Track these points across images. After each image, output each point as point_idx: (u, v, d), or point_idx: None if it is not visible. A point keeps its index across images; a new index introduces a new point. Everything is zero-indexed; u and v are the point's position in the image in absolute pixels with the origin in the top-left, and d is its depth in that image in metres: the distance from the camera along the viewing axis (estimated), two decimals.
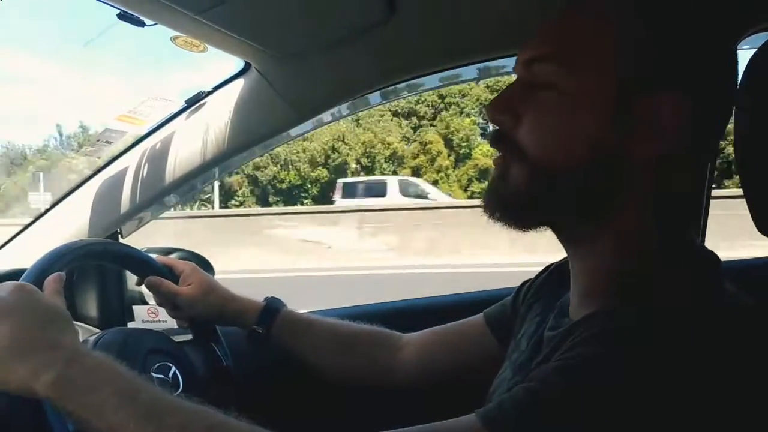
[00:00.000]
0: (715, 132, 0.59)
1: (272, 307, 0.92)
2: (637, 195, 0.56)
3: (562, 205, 0.57)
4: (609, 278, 0.58)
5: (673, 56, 0.54)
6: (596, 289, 0.59)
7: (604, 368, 0.47)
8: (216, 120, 1.07)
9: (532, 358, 0.62)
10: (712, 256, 0.59)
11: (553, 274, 0.76)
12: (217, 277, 0.98)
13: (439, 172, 20.79)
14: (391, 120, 22.09)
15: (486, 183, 0.64)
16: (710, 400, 0.46)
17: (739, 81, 0.60)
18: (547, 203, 0.57)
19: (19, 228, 1.18)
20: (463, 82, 1.08)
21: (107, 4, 0.79)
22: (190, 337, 0.96)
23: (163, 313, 1.00)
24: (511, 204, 0.59)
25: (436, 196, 13.70)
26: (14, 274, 0.77)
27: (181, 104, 1.10)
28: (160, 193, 1.11)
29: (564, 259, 0.77)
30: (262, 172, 21.64)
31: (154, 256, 0.95)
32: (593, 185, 0.56)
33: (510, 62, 0.97)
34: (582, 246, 0.60)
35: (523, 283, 0.81)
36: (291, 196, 21.49)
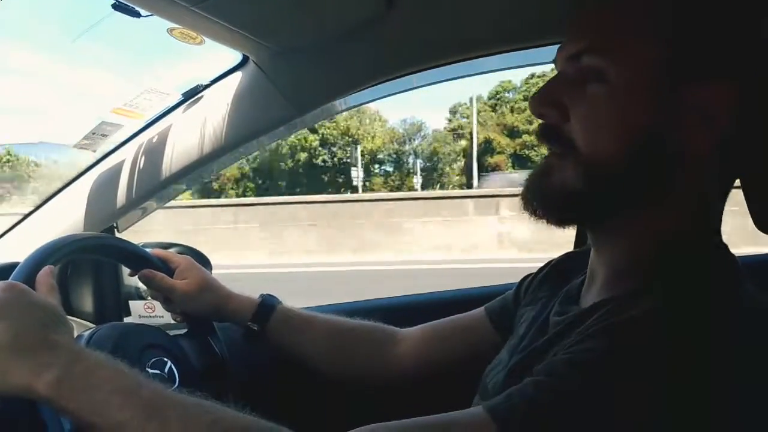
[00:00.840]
0: (762, 121, 0.57)
1: (267, 304, 0.91)
2: (678, 188, 0.56)
3: (609, 200, 0.56)
4: (631, 269, 0.57)
5: (721, 48, 0.54)
6: (615, 279, 0.58)
7: (614, 362, 0.47)
8: (213, 113, 1.06)
9: (534, 341, 0.62)
10: (730, 255, 0.58)
11: (555, 268, 0.77)
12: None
13: None
14: None
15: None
16: (721, 395, 0.46)
17: None
18: (595, 199, 0.56)
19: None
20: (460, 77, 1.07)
21: None
22: (185, 330, 0.95)
23: (159, 308, 0.99)
24: (555, 201, 0.57)
25: None
26: (7, 268, 0.76)
27: (178, 97, 1.09)
28: (157, 186, 1.10)
29: (565, 254, 0.77)
30: None
31: (149, 250, 0.94)
32: (642, 180, 0.55)
33: (508, 57, 0.97)
34: (612, 237, 0.59)
35: (525, 278, 0.81)
36: None
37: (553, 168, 0.57)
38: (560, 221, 0.59)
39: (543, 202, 0.58)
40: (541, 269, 0.79)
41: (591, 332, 0.50)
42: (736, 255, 0.58)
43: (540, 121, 0.59)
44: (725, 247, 0.58)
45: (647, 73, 0.54)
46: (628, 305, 0.52)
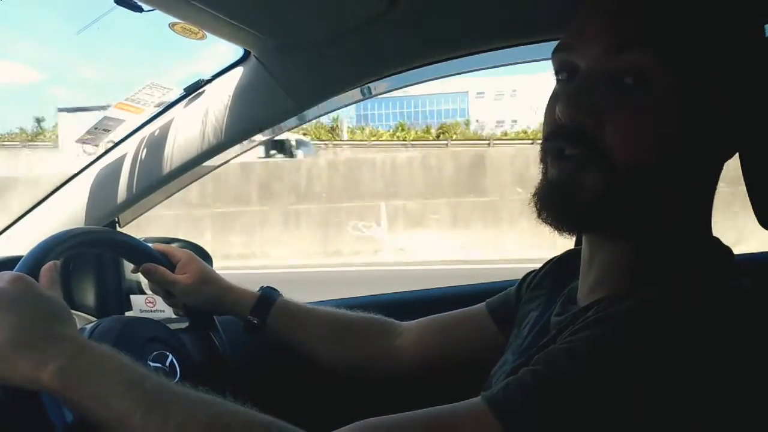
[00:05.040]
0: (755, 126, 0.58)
1: (267, 297, 0.92)
2: (683, 191, 0.55)
3: (630, 209, 0.54)
4: (624, 267, 0.57)
5: (714, 54, 0.53)
6: (610, 276, 0.58)
7: (610, 350, 0.47)
8: (215, 108, 1.06)
9: (535, 343, 0.62)
10: (725, 248, 0.58)
11: (557, 266, 0.77)
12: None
13: None
14: None
15: None
16: (714, 387, 0.46)
17: None
18: (618, 209, 0.54)
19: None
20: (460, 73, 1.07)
21: None
22: (186, 324, 0.96)
23: (160, 302, 1.00)
24: (576, 207, 0.54)
25: None
26: (10, 262, 0.77)
27: (180, 92, 1.09)
28: (158, 181, 1.11)
29: (567, 251, 0.77)
30: None
31: (150, 245, 0.95)
32: (663, 188, 0.54)
33: (514, 52, 0.97)
34: (613, 240, 0.58)
35: (527, 275, 0.81)
36: None
37: (576, 173, 0.54)
38: (578, 228, 0.57)
39: (561, 208, 0.55)
40: (544, 266, 0.79)
41: (587, 323, 0.51)
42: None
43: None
44: (718, 241, 0.59)
45: (689, 78, 0.51)
46: (624, 299, 0.52)
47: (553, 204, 0.56)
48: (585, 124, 0.53)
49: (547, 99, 0.59)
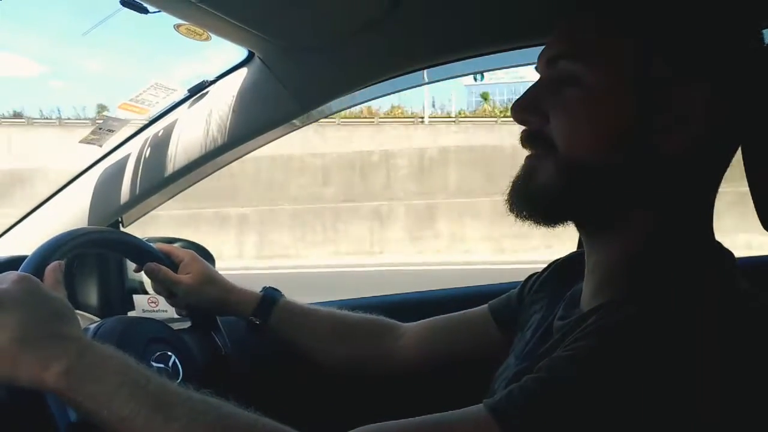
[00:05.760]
0: (744, 125, 0.58)
1: (269, 298, 0.92)
2: (662, 189, 0.56)
3: (590, 199, 0.58)
4: (624, 270, 0.58)
5: (697, 48, 0.54)
6: (611, 280, 0.59)
7: (612, 359, 0.47)
8: (218, 109, 1.06)
9: (539, 346, 0.62)
10: (727, 252, 0.59)
11: (560, 268, 0.77)
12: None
13: None
14: None
15: None
16: (715, 395, 0.46)
17: None
18: (576, 198, 0.58)
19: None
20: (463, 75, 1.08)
21: None
22: (188, 324, 0.96)
23: (163, 302, 1.00)
24: (539, 200, 0.59)
25: None
26: (15, 261, 0.77)
27: (184, 93, 1.09)
28: (162, 182, 1.11)
29: (571, 254, 0.77)
30: None
31: (153, 244, 0.95)
32: (621, 180, 0.56)
33: (515, 55, 0.97)
34: (602, 238, 0.60)
35: (530, 277, 0.81)
36: None
37: (536, 169, 0.59)
38: (546, 220, 0.60)
39: (528, 203, 0.59)
40: (546, 269, 0.79)
41: (589, 331, 0.51)
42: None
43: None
44: (719, 245, 0.59)
45: (621, 75, 0.55)
46: (622, 305, 0.52)
47: (517, 198, 0.60)
48: (535, 125, 0.59)
49: None
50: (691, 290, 0.52)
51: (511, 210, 0.60)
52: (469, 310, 0.86)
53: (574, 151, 0.56)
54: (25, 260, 0.72)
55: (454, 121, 11.30)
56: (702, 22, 0.55)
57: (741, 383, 0.47)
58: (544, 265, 0.80)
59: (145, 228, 1.15)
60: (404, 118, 11.38)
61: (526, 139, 0.61)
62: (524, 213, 0.59)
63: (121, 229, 1.17)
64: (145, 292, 1.09)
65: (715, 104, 0.54)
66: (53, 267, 0.67)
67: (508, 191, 0.61)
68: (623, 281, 0.57)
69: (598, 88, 0.56)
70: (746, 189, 0.63)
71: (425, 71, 1.02)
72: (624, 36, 0.56)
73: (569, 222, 0.60)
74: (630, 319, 0.50)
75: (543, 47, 0.62)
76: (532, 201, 0.59)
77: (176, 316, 0.99)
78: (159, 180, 1.11)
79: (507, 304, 0.82)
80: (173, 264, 0.92)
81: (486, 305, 0.85)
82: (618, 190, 0.57)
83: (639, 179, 0.56)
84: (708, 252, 0.58)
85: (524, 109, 0.60)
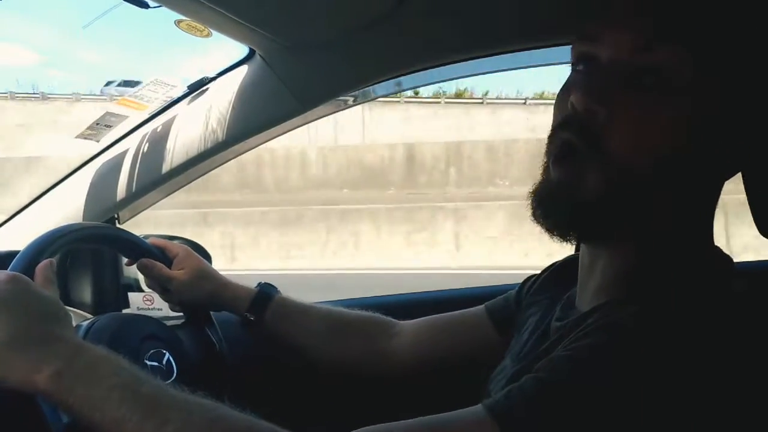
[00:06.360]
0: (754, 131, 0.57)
1: (265, 294, 0.91)
2: (680, 197, 0.55)
3: (622, 213, 0.53)
4: (623, 273, 0.57)
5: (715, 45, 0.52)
6: (609, 282, 0.58)
7: (611, 359, 0.47)
8: (218, 106, 1.05)
9: (536, 348, 0.61)
10: (726, 256, 0.58)
11: (558, 270, 0.76)
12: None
13: None
14: None
15: None
16: (711, 394, 0.46)
17: None
18: (612, 213, 0.53)
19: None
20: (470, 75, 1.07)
21: None
22: (182, 320, 0.95)
23: (158, 300, 0.98)
24: (572, 210, 0.53)
25: None
26: (7, 257, 0.76)
27: (184, 89, 1.08)
28: (159, 179, 1.10)
29: (569, 256, 0.76)
30: None
31: (148, 240, 0.94)
32: (657, 192, 0.53)
33: (520, 56, 0.96)
34: (611, 246, 0.57)
35: (528, 278, 0.80)
36: None
37: (580, 175, 0.52)
38: (566, 234, 0.55)
39: (561, 212, 0.54)
40: (544, 271, 0.78)
41: (589, 330, 0.50)
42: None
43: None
44: (718, 250, 0.58)
45: (706, 73, 0.50)
46: (622, 307, 0.52)
47: (550, 204, 0.55)
48: (596, 115, 0.51)
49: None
50: (691, 292, 0.52)
51: (534, 213, 0.55)
52: (467, 310, 0.85)
53: (631, 162, 0.50)
54: (15, 258, 0.71)
55: None
56: (725, 22, 0.52)
57: (737, 383, 0.47)
58: None
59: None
60: None
61: (571, 127, 0.52)
62: (545, 218, 0.54)
63: (118, 225, 1.16)
64: (141, 290, 1.08)
65: (730, 116, 0.53)
66: (44, 265, 0.66)
67: (534, 190, 0.56)
68: (622, 284, 0.56)
69: (691, 90, 0.50)
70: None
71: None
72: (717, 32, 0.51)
73: (594, 240, 0.57)
74: (630, 318, 0.49)
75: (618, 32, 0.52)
76: (562, 208, 0.53)
77: (172, 314, 0.98)
78: (157, 177, 1.10)
79: (505, 306, 0.81)
80: (167, 259, 0.91)
81: (483, 306, 0.84)
82: (649, 201, 0.53)
83: (669, 190, 0.53)
84: (708, 256, 0.58)
85: (594, 98, 0.51)
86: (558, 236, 0.55)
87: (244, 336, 0.91)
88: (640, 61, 0.51)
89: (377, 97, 1.10)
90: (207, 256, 1.02)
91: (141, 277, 1.00)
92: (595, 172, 0.52)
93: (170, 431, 0.51)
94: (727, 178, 0.58)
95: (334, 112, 1.11)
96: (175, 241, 1.05)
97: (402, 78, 1.01)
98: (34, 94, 11.99)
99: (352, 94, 1.06)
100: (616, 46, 0.52)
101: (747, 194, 0.67)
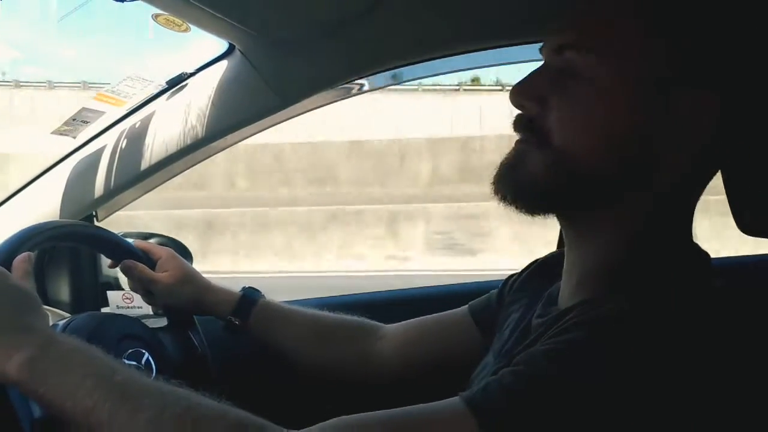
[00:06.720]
0: (741, 132, 0.58)
1: (249, 298, 0.90)
2: (650, 189, 0.56)
3: (578, 196, 0.56)
4: (604, 268, 0.58)
5: (715, 59, 0.54)
6: (589, 278, 0.59)
7: (589, 353, 0.47)
8: (197, 102, 1.04)
9: (517, 345, 0.62)
10: (703, 253, 0.59)
11: (539, 268, 0.77)
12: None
13: None
14: None
15: None
16: (690, 388, 0.47)
17: None
18: (563, 193, 0.56)
19: None
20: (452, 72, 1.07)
21: None
22: (165, 322, 0.94)
23: (138, 299, 0.97)
24: (525, 190, 0.57)
25: None
26: None
27: (163, 85, 1.07)
28: (138, 176, 1.09)
29: (550, 254, 0.77)
30: None
31: (131, 240, 0.93)
32: (613, 179, 0.55)
33: (496, 53, 0.96)
34: (584, 235, 0.60)
35: (509, 277, 0.81)
36: None
37: (525, 156, 0.57)
38: (530, 211, 0.59)
39: (514, 191, 0.58)
40: (526, 269, 0.79)
41: (568, 326, 0.51)
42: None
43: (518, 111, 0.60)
44: (696, 247, 0.59)
45: (633, 74, 0.54)
46: (601, 303, 0.52)
47: (503, 183, 0.59)
48: (530, 110, 0.57)
49: None
50: (670, 288, 0.53)
51: (496, 193, 0.59)
52: (450, 311, 0.85)
53: (567, 145, 0.55)
54: None
55: None
56: (725, 33, 0.55)
57: (717, 376, 0.48)
58: None
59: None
60: None
61: (519, 125, 0.59)
62: (509, 199, 0.58)
63: (96, 223, 1.14)
64: (120, 288, 1.06)
65: (723, 119, 0.54)
66: (22, 258, 0.66)
67: (495, 174, 0.60)
68: (603, 280, 0.57)
69: (605, 84, 0.54)
70: None
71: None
72: (644, 35, 0.54)
73: (550, 215, 0.60)
74: (609, 313, 0.50)
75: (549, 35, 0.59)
76: (517, 188, 0.58)
77: (151, 312, 0.97)
78: (135, 173, 1.08)
79: (487, 305, 0.82)
80: (151, 261, 0.90)
81: (466, 306, 0.84)
82: (607, 188, 0.56)
83: (632, 181, 0.55)
84: (686, 253, 0.58)
85: (524, 94, 0.58)
86: (524, 213, 0.59)
87: (227, 339, 0.91)
88: (556, 62, 0.57)
89: (364, 92, 1.09)
90: (188, 256, 1.01)
91: (121, 276, 0.99)
92: (537, 155, 0.57)
93: (143, 419, 0.51)
94: (710, 178, 0.59)
95: (315, 108, 1.10)
96: (155, 239, 1.04)
97: (382, 74, 1.01)
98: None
99: (333, 89, 1.05)
100: (546, 50, 0.59)
101: (727, 194, 0.68)
